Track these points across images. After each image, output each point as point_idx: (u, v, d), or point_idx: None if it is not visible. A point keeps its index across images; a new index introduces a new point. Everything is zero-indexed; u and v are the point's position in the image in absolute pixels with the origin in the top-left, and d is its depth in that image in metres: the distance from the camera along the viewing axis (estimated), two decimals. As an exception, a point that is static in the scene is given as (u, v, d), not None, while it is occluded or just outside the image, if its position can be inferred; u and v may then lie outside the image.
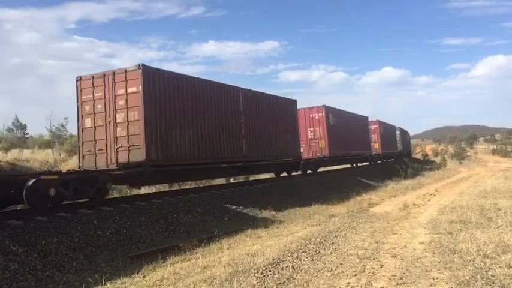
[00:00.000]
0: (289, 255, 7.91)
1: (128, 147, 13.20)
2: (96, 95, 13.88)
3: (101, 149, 13.67)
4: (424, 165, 48.38)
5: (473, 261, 6.75)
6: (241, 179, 24.76)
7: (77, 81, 14.36)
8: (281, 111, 21.63)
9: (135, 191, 19.48)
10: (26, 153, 26.06)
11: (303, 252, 8.13)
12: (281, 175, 23.99)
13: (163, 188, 19.67)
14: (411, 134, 78.53)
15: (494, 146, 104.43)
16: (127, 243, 9.81)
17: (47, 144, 33.04)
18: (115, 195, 18.42)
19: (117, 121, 13.46)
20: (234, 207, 14.48)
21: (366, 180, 27.45)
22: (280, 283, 6.28)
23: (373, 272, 6.62)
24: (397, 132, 50.60)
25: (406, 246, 8.28)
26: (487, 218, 10.74)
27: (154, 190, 18.80)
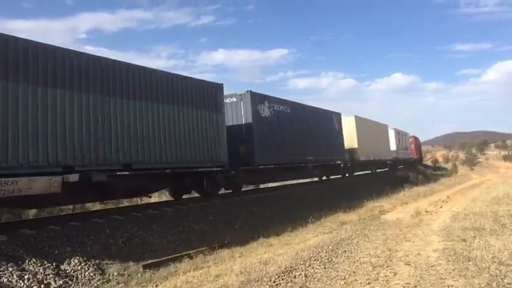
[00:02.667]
0: (301, 263, 7.88)
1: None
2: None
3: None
4: (435, 172, 48.02)
5: (489, 268, 6.68)
6: (250, 187, 24.71)
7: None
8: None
9: (145, 200, 19.48)
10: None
11: (315, 260, 8.09)
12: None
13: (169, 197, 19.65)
14: (421, 140, 78.04)
15: (506, 152, 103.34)
16: (139, 251, 9.82)
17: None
18: (125, 203, 18.48)
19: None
20: (245, 214, 14.45)
21: (375, 187, 27.27)
22: (293, 291, 6.25)
23: (387, 280, 6.57)
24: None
25: (419, 254, 8.22)
26: (501, 224, 10.63)
27: (164, 198, 18.80)
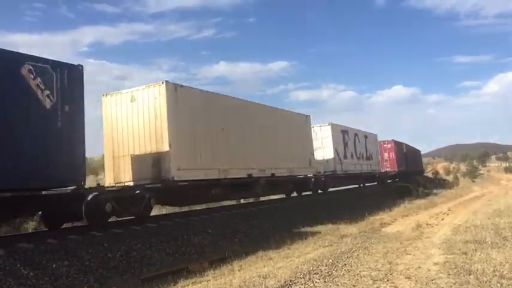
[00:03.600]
0: (301, 276, 7.80)
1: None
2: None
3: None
4: (436, 184, 47.93)
5: (490, 282, 6.60)
6: (251, 199, 24.62)
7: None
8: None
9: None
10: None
11: (315, 274, 8.01)
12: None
13: (172, 209, 19.59)
14: (422, 152, 77.98)
15: (507, 164, 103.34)
16: (137, 265, 9.76)
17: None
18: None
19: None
20: (244, 228, 14.39)
21: (376, 200, 27.18)
22: (292, 306, 6.18)
23: (387, 294, 6.50)
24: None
25: (420, 267, 8.13)
26: (502, 237, 10.54)
27: (164, 211, 18.74)
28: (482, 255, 8.59)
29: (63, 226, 12.06)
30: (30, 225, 14.90)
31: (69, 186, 10.57)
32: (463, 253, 8.98)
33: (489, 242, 9.96)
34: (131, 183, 13.62)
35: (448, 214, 18.60)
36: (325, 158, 27.17)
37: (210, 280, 8.42)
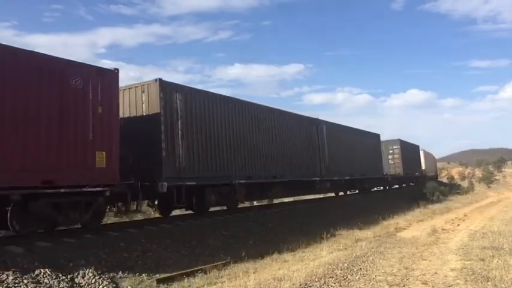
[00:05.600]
0: (316, 280, 7.80)
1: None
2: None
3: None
4: (451, 189, 47.39)
5: (508, 289, 6.54)
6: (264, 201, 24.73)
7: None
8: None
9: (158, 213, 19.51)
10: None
11: (330, 277, 8.00)
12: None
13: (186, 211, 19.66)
14: (437, 157, 77.27)
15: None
16: (153, 266, 9.80)
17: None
18: (140, 217, 18.51)
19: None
20: (259, 230, 14.39)
21: (390, 204, 26.99)
22: (308, 309, 6.17)
23: (404, 299, 6.46)
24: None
25: (436, 273, 8.08)
26: (520, 244, 10.43)
27: (178, 213, 18.81)
28: (500, 261, 8.51)
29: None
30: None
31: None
32: (480, 259, 8.91)
33: (507, 249, 9.88)
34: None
35: (463, 220, 18.43)
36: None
37: (225, 282, 8.45)
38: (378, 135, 33.72)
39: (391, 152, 37.40)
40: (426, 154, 51.63)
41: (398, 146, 37.77)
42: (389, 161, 36.83)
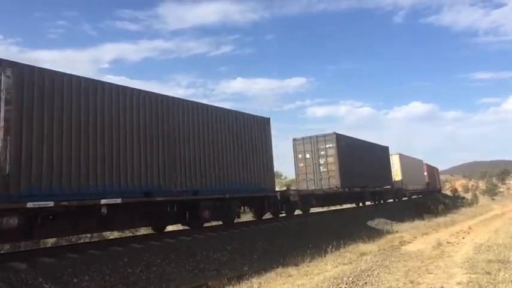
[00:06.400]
0: (321, 295, 7.74)
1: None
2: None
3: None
4: (455, 202, 47.23)
5: (516, 303, 6.48)
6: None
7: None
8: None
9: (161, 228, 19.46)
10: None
11: (335, 292, 7.94)
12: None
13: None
14: (440, 169, 77.01)
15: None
16: (157, 281, 9.77)
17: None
18: (143, 232, 18.48)
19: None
20: (263, 244, 14.33)
21: (395, 217, 26.92)
22: (314, 324, 6.13)
23: (411, 313, 6.41)
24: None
25: (442, 287, 8.02)
26: (526, 257, 10.35)
27: (181, 228, 18.75)
28: (506, 275, 8.43)
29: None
30: (50, 241, 15.00)
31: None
32: (486, 273, 8.83)
33: (513, 262, 9.78)
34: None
35: (468, 232, 18.31)
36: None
37: (229, 297, 8.40)
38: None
39: (322, 153, 25.39)
40: (405, 160, 39.92)
41: (334, 145, 25.17)
42: (321, 167, 25.25)
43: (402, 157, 39.02)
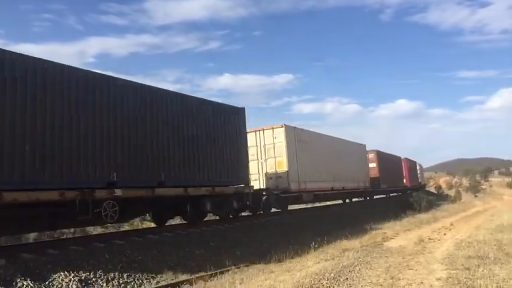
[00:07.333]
0: (302, 291, 7.76)
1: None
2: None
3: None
4: (439, 199, 47.76)
5: (493, 298, 6.57)
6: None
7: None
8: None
9: (146, 224, 19.41)
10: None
11: (316, 288, 7.97)
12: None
13: (173, 221, 19.54)
14: (424, 166, 77.84)
15: (510, 179, 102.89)
16: (138, 277, 9.71)
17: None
18: (126, 227, 18.39)
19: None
20: (246, 240, 14.33)
21: (378, 214, 27.11)
22: (294, 320, 6.14)
23: (390, 309, 6.46)
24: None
25: (422, 283, 8.09)
26: (505, 253, 10.50)
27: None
28: (485, 271, 8.54)
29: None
30: (31, 236, 14.83)
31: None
32: (465, 268, 8.93)
33: (492, 258, 9.92)
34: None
35: (450, 229, 18.52)
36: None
37: (211, 293, 8.39)
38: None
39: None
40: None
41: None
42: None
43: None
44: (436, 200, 43.62)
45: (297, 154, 21.82)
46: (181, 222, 17.51)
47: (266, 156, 21.42)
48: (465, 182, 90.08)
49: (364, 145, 33.51)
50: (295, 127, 22.42)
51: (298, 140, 22.13)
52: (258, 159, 21.38)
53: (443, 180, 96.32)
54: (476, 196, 64.01)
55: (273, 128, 21.34)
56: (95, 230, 17.32)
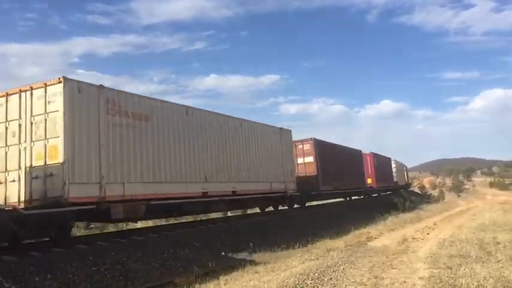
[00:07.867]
0: (287, 291, 7.78)
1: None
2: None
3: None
4: (422, 198, 48.26)
5: (474, 296, 6.65)
6: (238, 212, 24.86)
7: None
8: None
9: (131, 225, 19.28)
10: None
11: (301, 287, 8.01)
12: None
13: (159, 221, 19.48)
14: (409, 166, 78.51)
15: (492, 179, 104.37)
16: (122, 279, 9.65)
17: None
18: (111, 229, 18.24)
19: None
20: (231, 241, 14.33)
21: (363, 214, 27.30)
22: (278, 320, 6.16)
23: (373, 308, 6.51)
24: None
25: (405, 282, 8.17)
26: (487, 252, 10.64)
27: (151, 224, 18.61)
28: (466, 269, 8.65)
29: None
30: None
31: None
32: (447, 267, 9.04)
33: (474, 257, 10.05)
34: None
35: (433, 228, 18.73)
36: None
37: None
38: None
39: None
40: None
41: None
42: None
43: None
44: (419, 200, 44.07)
45: (101, 134, 12.05)
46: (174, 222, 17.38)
47: (33, 138, 11.47)
48: (448, 181, 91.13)
49: (290, 130, 23.86)
50: (101, 85, 12.47)
51: (113, 110, 12.59)
52: (19, 142, 11.62)
53: (427, 180, 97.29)
54: (459, 196, 64.84)
55: (45, 85, 11.43)
56: (78, 232, 17.18)
